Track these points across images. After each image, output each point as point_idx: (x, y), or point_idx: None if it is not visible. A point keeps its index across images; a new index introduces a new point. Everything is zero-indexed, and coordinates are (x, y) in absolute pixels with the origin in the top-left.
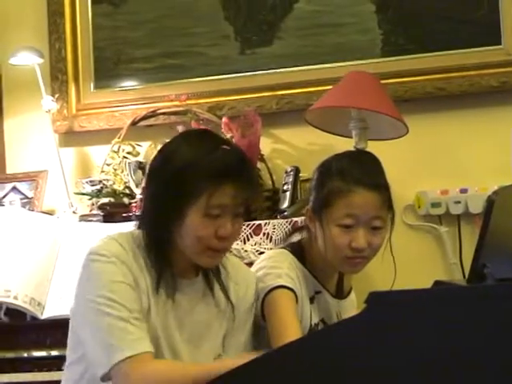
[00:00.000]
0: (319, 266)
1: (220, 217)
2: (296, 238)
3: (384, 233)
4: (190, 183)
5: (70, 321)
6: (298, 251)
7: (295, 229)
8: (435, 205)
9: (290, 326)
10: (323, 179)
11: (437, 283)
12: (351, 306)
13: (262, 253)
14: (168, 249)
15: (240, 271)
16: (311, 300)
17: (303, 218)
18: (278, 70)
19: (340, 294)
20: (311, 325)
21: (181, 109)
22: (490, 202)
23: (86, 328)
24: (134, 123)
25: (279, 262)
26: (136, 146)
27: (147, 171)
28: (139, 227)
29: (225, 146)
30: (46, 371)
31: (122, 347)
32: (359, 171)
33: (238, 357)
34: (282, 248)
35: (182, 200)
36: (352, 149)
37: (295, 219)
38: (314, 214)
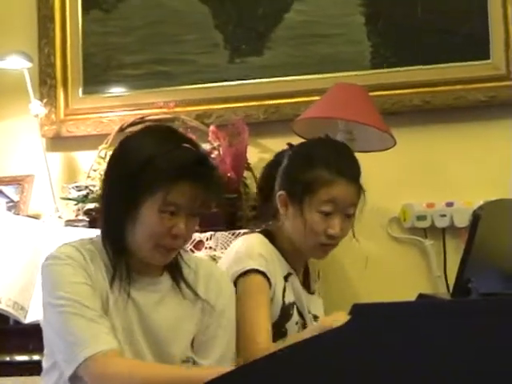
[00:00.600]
0: (288, 251)
1: (174, 215)
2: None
3: (353, 220)
4: (148, 179)
5: (42, 327)
6: (268, 237)
7: (262, 218)
8: (420, 218)
9: (259, 320)
10: (304, 166)
11: (421, 296)
12: (319, 305)
13: None
14: (125, 246)
15: (213, 271)
16: (285, 278)
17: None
18: (266, 80)
19: (307, 286)
20: (284, 302)
21: (169, 116)
22: (476, 217)
23: (50, 331)
24: (121, 129)
25: (251, 241)
26: None
27: (106, 165)
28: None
29: (186, 145)
30: (29, 375)
31: (85, 345)
32: (341, 162)
33: (214, 368)
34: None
35: (138, 195)
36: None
37: None
38: (290, 199)
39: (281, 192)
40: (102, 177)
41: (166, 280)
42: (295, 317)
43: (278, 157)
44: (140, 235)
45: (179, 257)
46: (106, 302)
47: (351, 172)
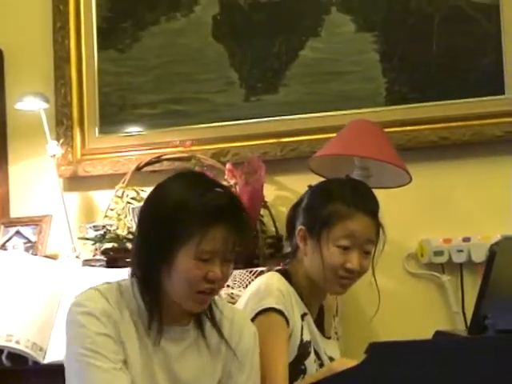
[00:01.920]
0: (305, 290)
1: (210, 260)
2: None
3: (371, 257)
4: (181, 225)
5: (65, 370)
6: (285, 275)
7: (282, 255)
8: (438, 253)
9: (276, 360)
10: (324, 201)
11: (438, 333)
12: (335, 348)
13: None
14: (159, 293)
15: (235, 314)
16: (302, 317)
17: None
18: (282, 118)
19: (321, 329)
20: (302, 340)
21: (185, 155)
22: (492, 253)
23: (73, 378)
24: (138, 168)
25: (270, 278)
26: (140, 192)
27: (139, 211)
28: (132, 274)
29: (217, 189)
30: None
31: None
32: (359, 198)
33: None
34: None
35: (173, 242)
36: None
37: None
38: (309, 233)
39: (300, 227)
40: (121, 216)
41: (192, 329)
42: (313, 355)
43: (301, 197)
44: (176, 282)
45: (211, 303)
46: (131, 349)
47: (368, 207)
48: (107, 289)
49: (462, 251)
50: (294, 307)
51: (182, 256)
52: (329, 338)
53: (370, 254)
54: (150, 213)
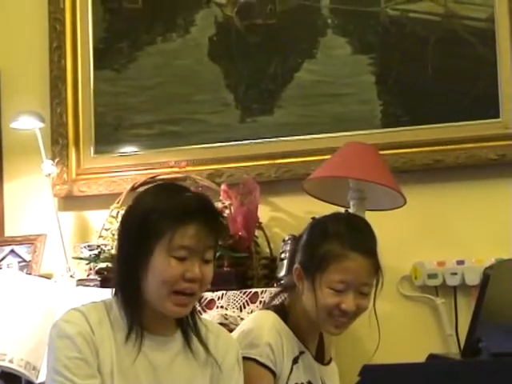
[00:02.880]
0: (302, 326)
1: (187, 260)
2: (279, 299)
3: (370, 296)
4: (152, 225)
5: None
6: (282, 312)
7: (281, 290)
8: (432, 276)
9: None
10: (318, 240)
11: (431, 356)
12: (334, 374)
13: None
14: (139, 302)
15: (221, 331)
16: (295, 360)
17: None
18: (277, 139)
19: (320, 358)
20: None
21: (180, 175)
22: (486, 276)
23: None
24: (133, 189)
25: (261, 324)
26: None
27: (119, 223)
28: (115, 291)
29: (187, 193)
30: None
31: None
32: (355, 237)
33: None
34: (266, 309)
35: (147, 242)
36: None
37: None
38: (304, 273)
39: (296, 265)
40: (115, 236)
41: (178, 338)
42: None
43: (303, 231)
44: (154, 283)
45: (196, 314)
46: (116, 363)
47: (364, 247)
48: (91, 308)
49: (456, 274)
50: (285, 354)
51: (157, 256)
52: (328, 363)
53: (368, 295)
54: (126, 221)
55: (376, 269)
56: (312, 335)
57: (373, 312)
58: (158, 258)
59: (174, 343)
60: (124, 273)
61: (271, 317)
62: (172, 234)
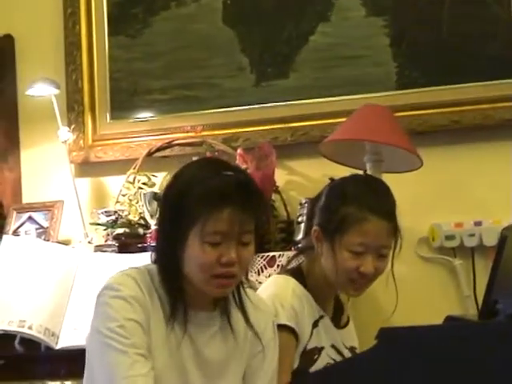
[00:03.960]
0: (320, 289)
1: (222, 244)
2: (296, 262)
3: (388, 258)
4: (187, 208)
5: (86, 351)
6: (299, 275)
7: (298, 252)
8: (449, 237)
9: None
10: (337, 202)
11: (448, 318)
12: (353, 336)
13: None
14: (180, 279)
15: (260, 304)
16: (315, 323)
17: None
18: (292, 102)
19: (337, 321)
20: (305, 349)
21: (196, 140)
22: (503, 238)
23: (94, 359)
24: (149, 154)
25: (283, 288)
26: (151, 177)
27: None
28: (154, 260)
29: (227, 172)
30: None
31: (122, 382)
32: (374, 199)
33: None
34: (284, 272)
35: (181, 226)
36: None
37: None
38: (323, 235)
39: (315, 227)
40: (132, 201)
41: (219, 315)
42: (323, 360)
43: (320, 192)
44: (191, 268)
45: (241, 288)
46: (160, 336)
47: (383, 209)
48: (138, 274)
49: (473, 235)
50: (306, 319)
51: (192, 241)
52: (345, 326)
53: (386, 257)
54: (163, 200)
55: (395, 231)
56: (329, 298)
57: (391, 274)
58: (193, 243)
59: (215, 320)
60: (164, 250)
61: (292, 282)
62: (205, 220)
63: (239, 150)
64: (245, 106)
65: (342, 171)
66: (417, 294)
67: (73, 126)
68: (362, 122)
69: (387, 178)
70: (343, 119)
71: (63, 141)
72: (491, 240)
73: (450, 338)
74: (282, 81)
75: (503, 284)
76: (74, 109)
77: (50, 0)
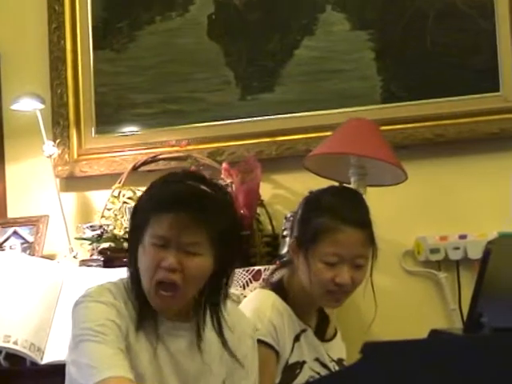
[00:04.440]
0: (301, 302)
1: (164, 247)
2: (278, 275)
3: (366, 268)
4: (139, 215)
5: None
6: (281, 289)
7: (278, 266)
8: (434, 251)
9: None
10: (311, 214)
11: (433, 332)
12: (340, 348)
13: None
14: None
15: (239, 320)
16: (297, 338)
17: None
18: (277, 116)
19: (321, 334)
20: (287, 363)
21: (181, 154)
22: (487, 251)
23: (71, 364)
24: (134, 168)
25: (263, 303)
26: (136, 191)
27: None
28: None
29: (189, 182)
30: None
31: (102, 369)
32: (347, 209)
33: None
34: (265, 288)
35: (137, 232)
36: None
37: None
38: (298, 247)
39: (292, 240)
40: (118, 216)
41: (195, 325)
42: (305, 373)
43: (299, 205)
44: (142, 272)
45: (221, 306)
46: (138, 344)
47: (356, 219)
48: (114, 286)
49: (458, 248)
50: (287, 333)
51: (142, 246)
52: (331, 339)
53: (363, 267)
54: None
55: (370, 241)
56: (311, 311)
57: (378, 288)
58: (143, 248)
59: (189, 331)
60: (128, 258)
61: (272, 296)
62: (152, 223)
63: (224, 164)
64: (230, 120)
65: (327, 185)
66: (402, 307)
67: (58, 141)
68: (346, 136)
69: (372, 192)
70: (328, 133)
71: (48, 155)
72: (476, 253)
73: (435, 352)
74: (267, 95)
75: (488, 297)
76: (59, 123)
77: (34, 14)
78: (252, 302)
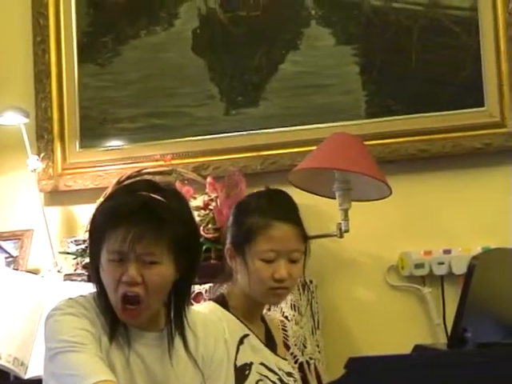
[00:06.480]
0: (243, 308)
1: (122, 261)
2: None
3: (301, 264)
4: (93, 232)
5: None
6: (222, 302)
7: (220, 280)
8: (418, 266)
9: None
10: (242, 217)
11: (417, 347)
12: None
13: None
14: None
15: (208, 325)
16: (241, 341)
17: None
18: (262, 131)
19: (271, 344)
20: (235, 365)
21: (166, 169)
22: (471, 267)
23: (50, 377)
24: (119, 183)
25: (201, 309)
26: None
27: None
28: None
29: (140, 193)
30: None
31: (86, 376)
32: (276, 207)
33: None
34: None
35: (93, 250)
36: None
37: None
38: (235, 251)
39: (227, 246)
40: None
41: (167, 335)
42: (254, 376)
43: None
44: (106, 288)
45: (181, 313)
46: (111, 353)
47: (286, 214)
48: (83, 299)
49: (442, 264)
50: (228, 336)
51: (103, 261)
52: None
53: (299, 262)
54: None
55: (303, 236)
56: (255, 316)
57: (362, 302)
58: (103, 263)
59: (162, 340)
60: (91, 272)
61: (211, 305)
62: (107, 238)
63: (209, 179)
64: (215, 134)
65: (312, 200)
66: (386, 322)
67: (42, 155)
68: (331, 151)
69: (357, 207)
70: (313, 148)
71: (32, 169)
72: (460, 268)
73: (419, 368)
74: (251, 109)
75: (472, 312)
76: (44, 137)
77: (19, 28)
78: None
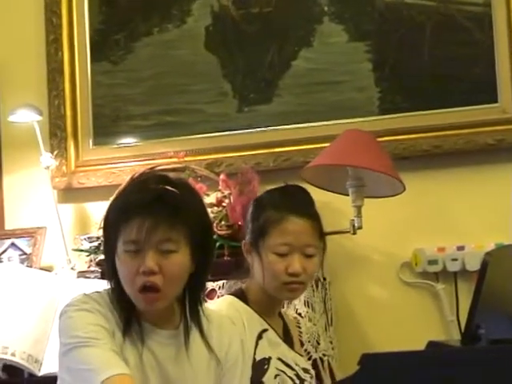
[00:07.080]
0: (261, 303)
1: (139, 252)
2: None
3: (317, 260)
4: (108, 227)
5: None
6: (240, 296)
7: (240, 275)
8: (432, 262)
9: None
10: (257, 212)
11: (431, 344)
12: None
13: None
14: (125, 298)
15: (223, 323)
16: (259, 336)
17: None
18: (275, 128)
19: (288, 340)
20: (254, 359)
21: (179, 165)
22: (485, 262)
23: (65, 371)
24: (132, 180)
25: (219, 303)
26: None
27: None
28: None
29: (153, 186)
30: None
31: (102, 370)
32: (291, 201)
33: None
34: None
35: (109, 244)
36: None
37: None
38: (251, 246)
39: (244, 241)
40: None
41: (182, 333)
42: (272, 371)
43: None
44: (122, 281)
45: (198, 308)
46: (124, 349)
47: (300, 208)
48: (98, 295)
49: (456, 260)
50: (248, 328)
51: (118, 254)
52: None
53: (314, 257)
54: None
55: (319, 231)
56: (273, 311)
57: (375, 299)
58: (119, 256)
59: (177, 338)
60: (106, 268)
61: (229, 298)
62: (122, 230)
63: (222, 176)
64: (227, 131)
65: (325, 196)
66: (399, 318)
67: (55, 152)
68: (344, 148)
69: (370, 203)
70: (326, 144)
71: (46, 167)
72: (474, 265)
73: (433, 364)
74: (264, 106)
75: (485, 309)
76: (57, 135)
77: (32, 26)
78: (210, 305)
